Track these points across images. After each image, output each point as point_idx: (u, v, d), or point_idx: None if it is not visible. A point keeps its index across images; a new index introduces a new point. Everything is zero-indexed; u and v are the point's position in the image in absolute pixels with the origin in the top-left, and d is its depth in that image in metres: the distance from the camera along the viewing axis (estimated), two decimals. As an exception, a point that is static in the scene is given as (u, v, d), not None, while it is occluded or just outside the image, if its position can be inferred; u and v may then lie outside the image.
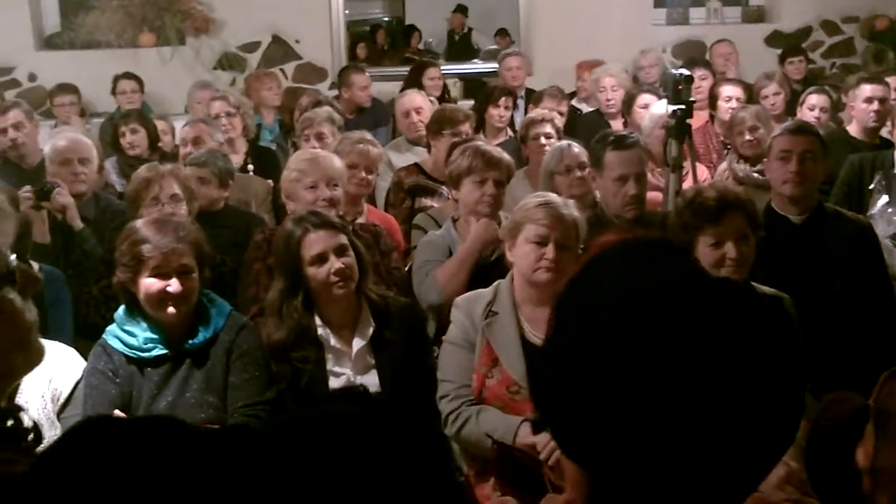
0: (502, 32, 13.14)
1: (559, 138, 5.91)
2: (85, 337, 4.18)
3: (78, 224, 4.87)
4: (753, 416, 1.20)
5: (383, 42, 14.49)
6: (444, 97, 8.30)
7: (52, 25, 9.67)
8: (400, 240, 5.18)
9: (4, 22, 9.17)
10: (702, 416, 1.18)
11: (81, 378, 3.55)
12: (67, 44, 9.42)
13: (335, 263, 3.76)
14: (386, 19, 16.05)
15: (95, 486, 0.95)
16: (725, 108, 6.83)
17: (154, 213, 4.38)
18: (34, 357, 1.51)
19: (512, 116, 7.42)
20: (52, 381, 3.49)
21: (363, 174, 5.19)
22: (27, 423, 1.66)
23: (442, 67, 9.23)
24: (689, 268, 1.30)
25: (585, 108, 8.31)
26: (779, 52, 9.15)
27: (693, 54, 9.31)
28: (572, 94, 8.56)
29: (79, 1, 9.26)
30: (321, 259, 3.77)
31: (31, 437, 1.62)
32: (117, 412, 3.48)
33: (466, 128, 5.96)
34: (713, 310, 1.21)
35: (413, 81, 8.32)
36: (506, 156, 4.76)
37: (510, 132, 7.15)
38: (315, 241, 3.79)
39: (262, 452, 0.94)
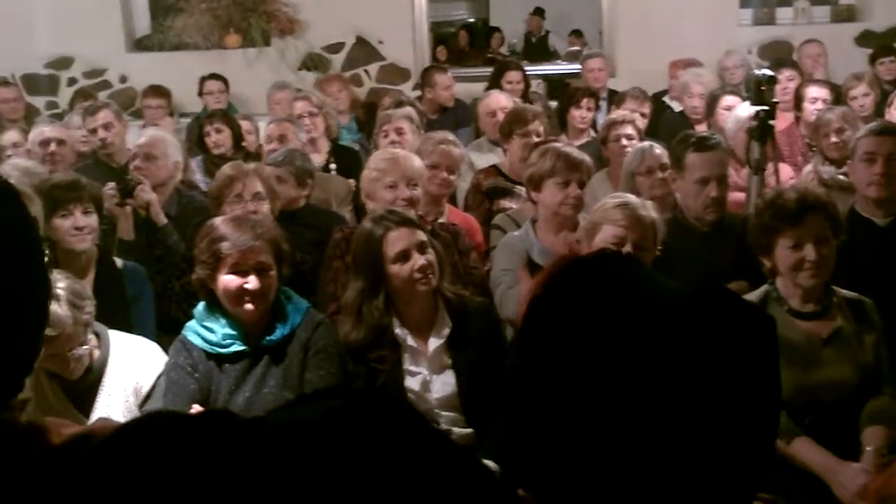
0: (577, 33, 13.07)
1: (640, 139, 5.87)
2: (167, 332, 4.25)
3: (162, 220, 4.96)
4: (713, 440, 1.16)
5: (465, 43, 14.50)
6: (526, 100, 8.25)
7: (142, 28, 9.87)
8: (480, 240, 5.16)
9: (97, 25, 9.39)
10: (658, 444, 1.15)
11: (163, 372, 3.63)
12: (157, 46, 9.61)
13: (418, 260, 3.75)
14: (471, 20, 16.06)
15: (141, 482, 0.97)
16: (811, 109, 6.70)
17: (237, 211, 4.43)
18: None
19: (594, 117, 7.37)
20: (134, 375, 3.57)
21: (445, 174, 5.20)
22: None
23: (526, 68, 9.20)
24: (634, 285, 1.27)
25: (677, 107, 8.24)
26: (870, 52, 8.95)
27: (780, 55, 9.15)
28: (663, 93, 8.49)
29: (168, 4, 9.43)
30: (404, 256, 3.75)
31: None
32: (196, 407, 3.55)
33: (536, 126, 5.91)
34: (665, 326, 1.19)
35: (495, 82, 8.32)
36: (586, 157, 4.72)
37: (592, 133, 7.11)
38: (397, 239, 3.77)
39: (314, 452, 0.95)
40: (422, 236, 3.84)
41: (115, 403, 3.53)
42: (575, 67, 9.43)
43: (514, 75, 8.31)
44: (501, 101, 6.98)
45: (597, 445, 1.16)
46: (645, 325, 1.18)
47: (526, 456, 1.25)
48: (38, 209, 4.01)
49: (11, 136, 6.84)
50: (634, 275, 1.29)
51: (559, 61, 11.84)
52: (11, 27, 9.26)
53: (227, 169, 4.79)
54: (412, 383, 3.80)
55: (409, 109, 6.54)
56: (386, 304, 3.81)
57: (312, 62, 9.44)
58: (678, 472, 1.16)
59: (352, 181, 6.07)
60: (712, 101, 6.97)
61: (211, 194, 4.84)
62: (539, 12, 14.25)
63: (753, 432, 1.20)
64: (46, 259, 1.55)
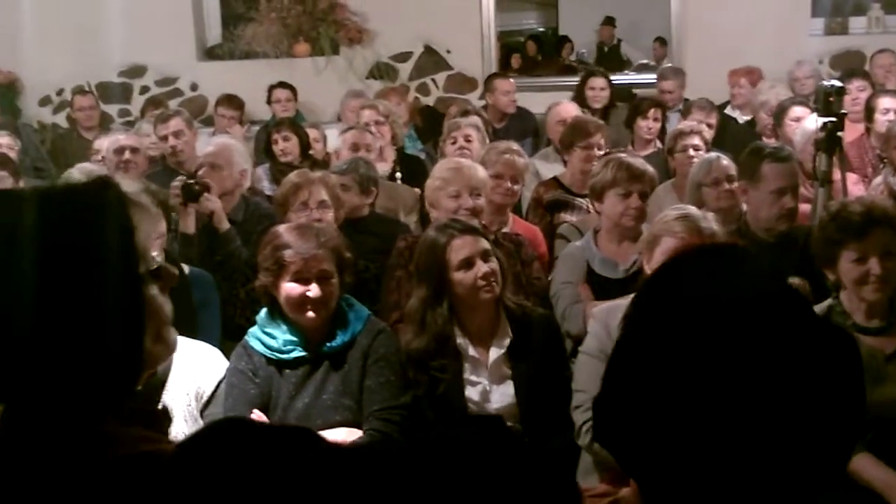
0: (661, 41, 12.99)
1: (707, 150, 5.84)
2: (231, 338, 4.29)
3: (224, 226, 5.02)
4: (801, 436, 1.17)
5: (535, 53, 14.48)
6: (607, 111, 8.21)
7: (213, 37, 10.01)
8: (544, 251, 5.16)
9: (170, 34, 9.55)
10: (751, 431, 1.16)
11: (224, 377, 3.67)
12: (227, 54, 9.73)
13: (482, 267, 3.77)
14: (541, 30, 16.03)
15: (224, 484, 1.00)
16: (882, 120, 6.59)
17: (302, 218, 4.49)
18: (168, 348, 1.61)
19: (663, 128, 7.32)
20: (196, 380, 3.61)
21: (509, 184, 5.20)
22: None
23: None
24: (750, 278, 1.28)
25: (740, 117, 8.15)
26: (945, 62, 8.76)
27: (852, 65, 9.00)
28: (726, 104, 8.41)
29: (239, 13, 9.55)
30: (468, 263, 3.78)
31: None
32: (256, 412, 3.59)
33: (598, 139, 5.92)
34: (765, 323, 1.19)
35: (580, 90, 8.34)
36: (649, 168, 4.70)
37: (658, 144, 7.07)
38: (462, 246, 3.80)
39: (388, 473, 0.97)
40: (485, 244, 3.86)
41: (176, 407, 3.56)
42: (644, 78, 9.36)
43: (598, 81, 8.31)
44: (571, 110, 6.99)
45: (679, 432, 1.18)
46: (738, 322, 1.20)
47: (623, 435, 1.27)
48: (154, 222, 3.97)
49: (103, 142, 6.98)
50: (739, 268, 1.31)
51: (626, 71, 11.79)
52: (88, 37, 9.47)
53: (293, 177, 4.85)
54: (472, 393, 3.82)
55: (475, 118, 6.55)
56: (449, 313, 3.84)
57: (380, 71, 9.49)
58: (753, 463, 1.17)
59: (417, 190, 6.10)
60: (780, 112, 6.88)
61: (276, 201, 4.89)
62: (610, 21, 14.18)
63: (827, 440, 1.21)
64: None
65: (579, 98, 8.24)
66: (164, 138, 6.61)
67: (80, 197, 1.47)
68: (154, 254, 1.61)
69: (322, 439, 1.11)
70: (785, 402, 1.17)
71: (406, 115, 8.42)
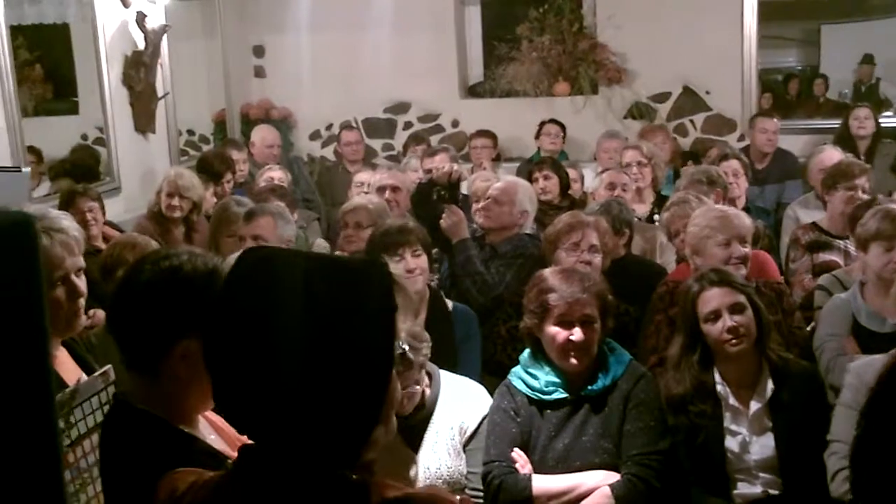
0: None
1: None
2: (491, 373, 4.42)
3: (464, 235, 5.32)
4: None
5: (794, 93, 14.07)
6: (872, 150, 7.97)
7: (475, 76, 10.26)
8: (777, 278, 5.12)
9: (435, 73, 9.83)
10: None
11: (487, 414, 3.78)
12: (488, 92, 9.94)
13: (728, 321, 3.78)
14: (799, 68, 15.57)
15: None
16: None
17: (571, 259, 4.58)
18: (390, 434, 1.70)
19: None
20: (460, 415, 3.74)
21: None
22: None
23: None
24: None
25: None
26: None
27: None
28: None
29: (501, 53, 9.73)
30: (715, 315, 3.82)
31: None
32: (517, 450, 3.68)
33: (863, 182, 5.83)
34: None
35: (845, 124, 8.15)
36: (919, 219, 4.55)
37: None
38: (710, 298, 3.85)
39: None
40: (739, 298, 3.85)
41: (441, 441, 3.70)
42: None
43: (863, 111, 8.18)
44: (835, 157, 6.80)
45: None
46: None
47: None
48: (409, 307, 4.18)
49: (362, 176, 7.33)
50: None
51: (886, 112, 11.28)
52: (357, 76, 9.88)
53: (566, 217, 4.91)
54: (731, 443, 3.80)
55: (734, 164, 6.46)
56: (703, 360, 3.87)
57: (638, 111, 9.47)
58: None
59: (674, 232, 6.07)
60: None
61: (547, 238, 4.93)
62: (868, 59, 13.65)
63: None
64: None
65: (844, 130, 8.04)
66: (429, 171, 6.84)
67: (356, 273, 1.60)
68: (400, 340, 1.73)
69: None
70: None
71: (669, 155, 8.38)
